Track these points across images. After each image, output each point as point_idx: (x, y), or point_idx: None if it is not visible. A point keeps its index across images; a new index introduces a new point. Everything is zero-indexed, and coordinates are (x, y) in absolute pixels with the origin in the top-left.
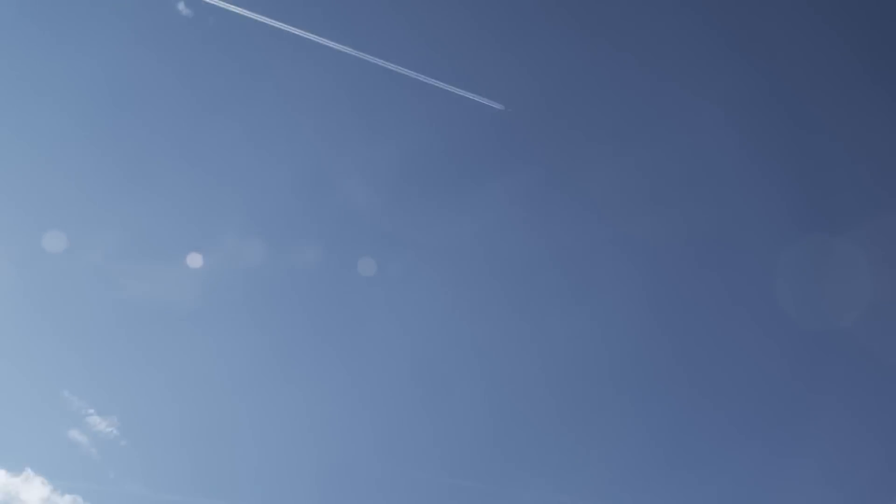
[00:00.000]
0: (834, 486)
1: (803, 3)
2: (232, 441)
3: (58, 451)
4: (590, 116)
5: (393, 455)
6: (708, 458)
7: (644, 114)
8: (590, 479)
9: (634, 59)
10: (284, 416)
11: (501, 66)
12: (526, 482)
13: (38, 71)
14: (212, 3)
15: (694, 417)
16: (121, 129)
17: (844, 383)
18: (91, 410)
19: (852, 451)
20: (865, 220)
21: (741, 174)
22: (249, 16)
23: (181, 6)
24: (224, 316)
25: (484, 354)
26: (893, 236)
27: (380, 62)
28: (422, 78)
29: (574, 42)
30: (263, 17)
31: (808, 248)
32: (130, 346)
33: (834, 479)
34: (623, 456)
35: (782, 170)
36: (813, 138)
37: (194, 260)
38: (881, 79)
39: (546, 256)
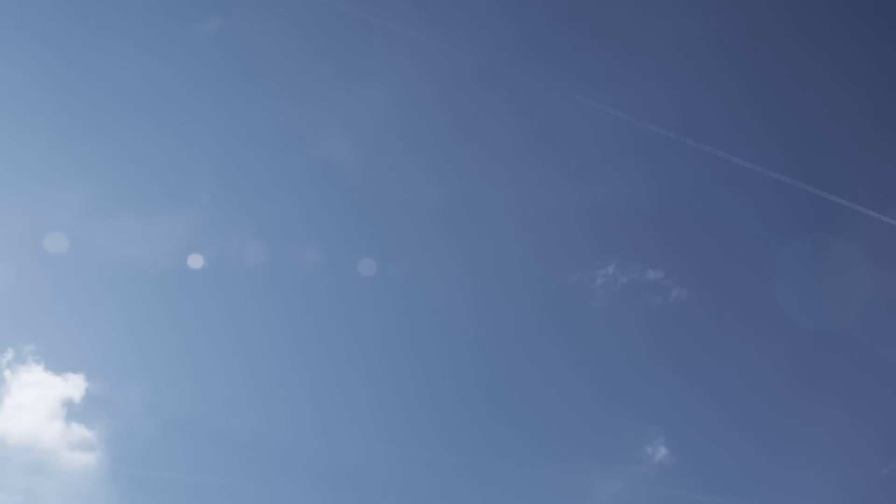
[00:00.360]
0: (833, 486)
1: (805, 1)
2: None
3: None
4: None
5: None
6: (705, 455)
7: (642, 109)
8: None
9: (632, 52)
10: (257, 381)
11: (487, 16)
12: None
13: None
14: None
15: (690, 414)
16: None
17: (843, 383)
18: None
19: (851, 451)
20: (865, 219)
21: (739, 171)
22: None
23: None
24: (197, 276)
25: (468, 322)
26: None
27: (358, 11)
28: (402, 28)
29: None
30: None
31: (807, 246)
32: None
33: (832, 479)
34: (620, 452)
35: (781, 167)
36: (813, 135)
37: (169, 216)
38: (882, 75)
39: (533, 220)
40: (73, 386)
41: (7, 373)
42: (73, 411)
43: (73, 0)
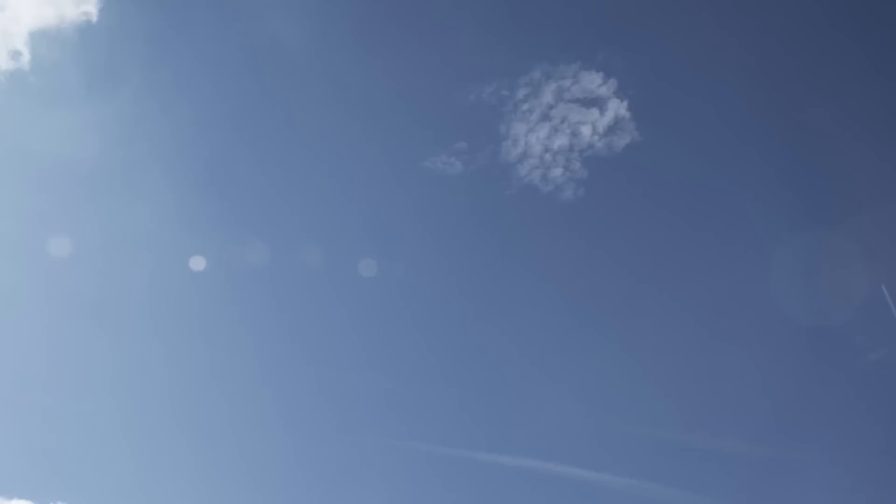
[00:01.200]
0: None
1: (804, 1)
2: None
3: None
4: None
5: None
6: (705, 455)
7: (643, 110)
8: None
9: (660, 145)
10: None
11: None
12: None
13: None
14: None
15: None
16: None
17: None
18: None
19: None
20: (864, 216)
21: (739, 169)
22: None
23: None
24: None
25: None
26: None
27: None
28: None
29: None
30: None
31: (806, 243)
32: None
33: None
34: (619, 456)
35: (780, 165)
36: (812, 134)
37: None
38: (880, 75)
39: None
40: None
41: None
42: None
43: None
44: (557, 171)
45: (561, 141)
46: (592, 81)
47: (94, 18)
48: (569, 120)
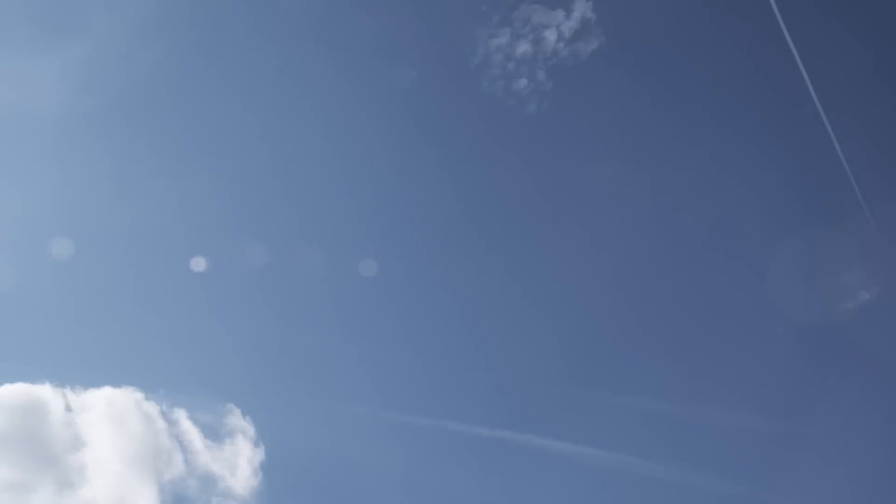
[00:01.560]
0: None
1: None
2: None
3: None
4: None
5: None
6: (706, 455)
7: (643, 111)
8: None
9: (631, 53)
10: None
11: None
12: None
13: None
14: None
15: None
16: None
17: (845, 379)
18: None
19: (854, 448)
20: (863, 215)
21: (717, 76)
22: None
23: None
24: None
25: None
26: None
27: None
28: None
29: None
30: None
31: (806, 242)
32: None
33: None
34: (622, 455)
35: (780, 164)
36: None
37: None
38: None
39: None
40: None
41: None
42: None
43: None
44: (521, 83)
45: (524, 48)
46: None
47: None
48: (532, 23)
